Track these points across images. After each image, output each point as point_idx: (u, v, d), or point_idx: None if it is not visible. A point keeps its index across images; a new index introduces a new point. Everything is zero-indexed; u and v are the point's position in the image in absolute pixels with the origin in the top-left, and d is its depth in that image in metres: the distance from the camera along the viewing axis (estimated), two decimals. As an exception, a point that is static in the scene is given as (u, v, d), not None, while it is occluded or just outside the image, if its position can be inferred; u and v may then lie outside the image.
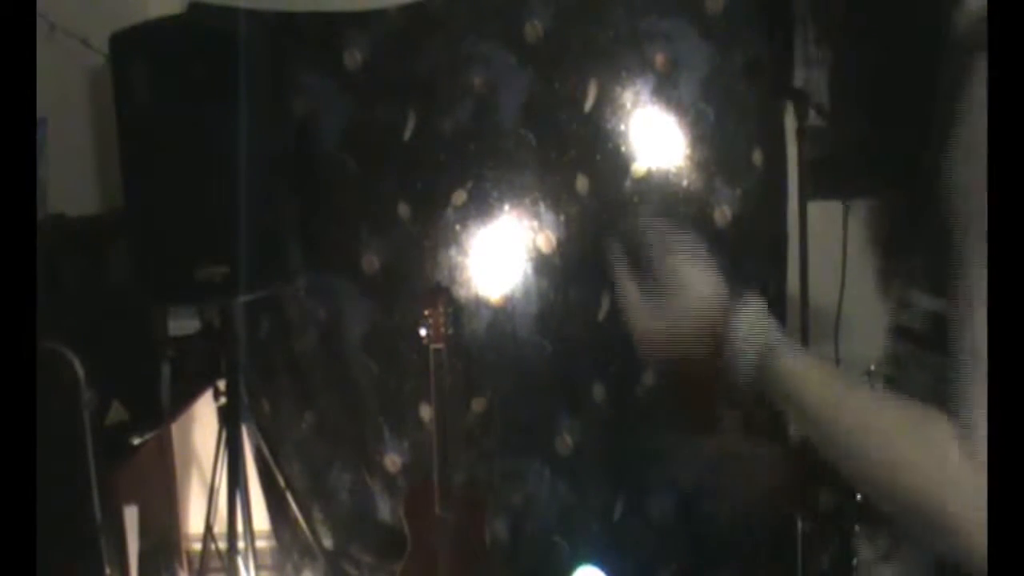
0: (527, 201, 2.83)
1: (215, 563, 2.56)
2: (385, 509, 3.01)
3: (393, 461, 2.99)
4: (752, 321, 0.97)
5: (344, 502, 3.04)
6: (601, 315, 2.81)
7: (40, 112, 1.92)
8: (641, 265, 1.06)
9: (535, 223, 2.84)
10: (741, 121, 2.76)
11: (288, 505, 2.77)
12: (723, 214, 2.77)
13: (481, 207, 2.86)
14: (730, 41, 2.73)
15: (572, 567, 2.66)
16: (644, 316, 1.03)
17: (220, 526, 2.47)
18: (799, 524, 2.73)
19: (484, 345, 2.89)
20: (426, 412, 2.91)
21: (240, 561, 2.46)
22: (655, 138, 2.77)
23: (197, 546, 2.70)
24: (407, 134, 2.86)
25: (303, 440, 3.01)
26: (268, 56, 2.44)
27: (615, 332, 2.61)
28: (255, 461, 2.82)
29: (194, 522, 2.87)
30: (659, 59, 2.75)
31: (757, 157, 2.76)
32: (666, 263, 1.02)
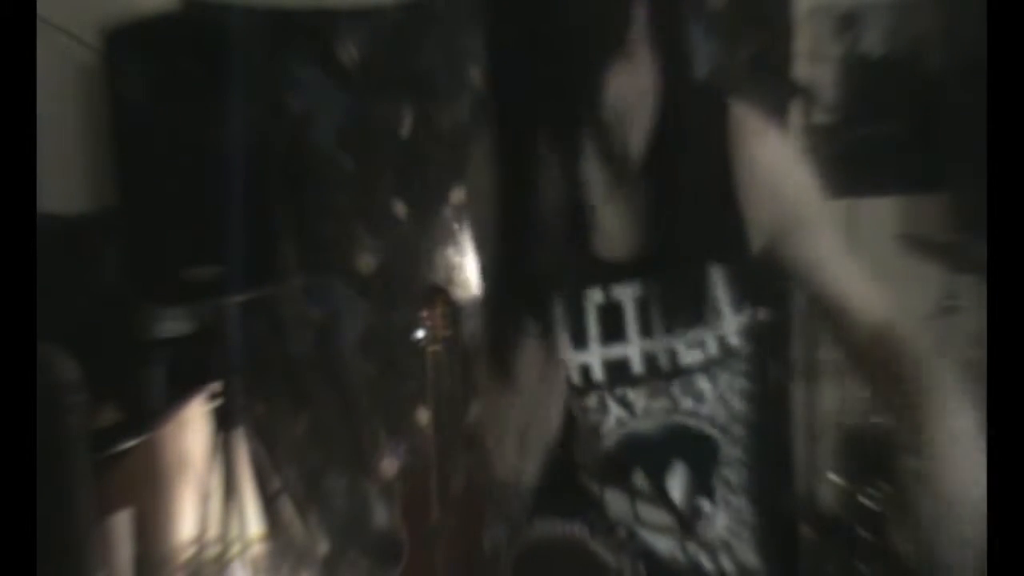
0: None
1: (210, 569, 2.52)
2: (382, 514, 2.97)
3: (390, 465, 2.95)
4: None
5: (340, 507, 3.00)
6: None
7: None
8: None
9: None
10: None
11: (283, 510, 2.73)
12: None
13: (480, 206, 2.82)
14: (733, 36, 2.70)
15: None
16: None
17: (214, 531, 2.43)
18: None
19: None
20: (423, 415, 2.87)
21: (235, 567, 2.43)
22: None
23: (191, 552, 2.66)
24: (404, 131, 2.83)
25: (298, 443, 2.97)
26: (264, 52, 2.41)
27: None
28: (250, 465, 2.78)
29: (187, 527, 2.83)
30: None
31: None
32: None
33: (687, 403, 1.13)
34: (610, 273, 1.10)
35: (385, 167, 2.86)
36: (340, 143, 2.86)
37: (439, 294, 2.61)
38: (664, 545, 1.18)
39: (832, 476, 2.73)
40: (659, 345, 1.10)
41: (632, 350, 1.11)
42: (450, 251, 2.87)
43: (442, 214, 2.85)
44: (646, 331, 1.10)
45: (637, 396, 1.13)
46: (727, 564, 1.18)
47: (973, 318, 2.57)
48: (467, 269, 2.86)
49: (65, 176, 2.31)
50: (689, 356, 1.10)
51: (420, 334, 2.56)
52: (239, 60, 2.19)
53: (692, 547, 1.18)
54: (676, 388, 1.13)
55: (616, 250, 1.09)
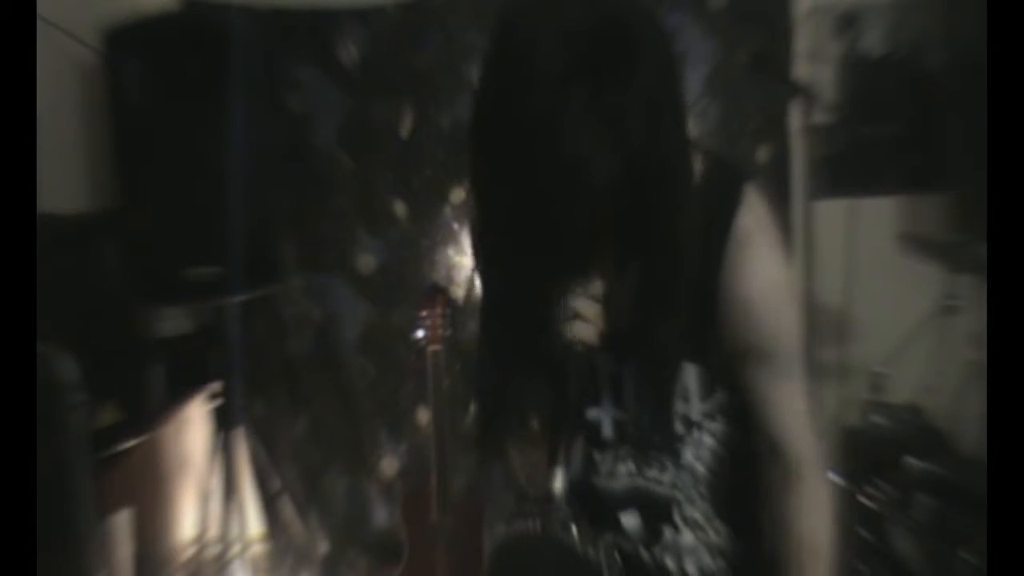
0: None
1: (209, 569, 2.51)
2: (382, 514, 2.97)
3: (390, 465, 2.95)
4: None
5: (340, 506, 2.99)
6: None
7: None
8: None
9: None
10: (745, 118, 2.73)
11: (283, 509, 2.73)
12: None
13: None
14: (733, 36, 2.70)
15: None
16: None
17: (214, 531, 2.42)
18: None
19: (483, 347, 2.85)
20: (423, 415, 2.87)
21: (235, 567, 2.42)
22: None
23: (191, 552, 2.66)
24: (404, 131, 2.83)
25: (298, 443, 2.97)
26: (263, 52, 2.40)
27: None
28: (250, 465, 2.77)
29: (187, 527, 2.83)
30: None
31: (762, 154, 2.73)
32: None
33: (651, 472, 1.16)
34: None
35: (385, 167, 2.86)
36: (340, 143, 2.86)
37: (439, 294, 2.61)
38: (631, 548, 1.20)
39: (832, 476, 2.73)
40: (629, 417, 1.13)
41: (604, 416, 1.14)
42: (450, 251, 2.86)
43: (442, 214, 2.85)
44: (618, 402, 1.13)
45: (603, 458, 1.16)
46: (691, 569, 1.18)
47: (973, 318, 2.57)
48: (467, 269, 2.86)
49: (65, 176, 2.31)
50: (655, 434, 1.13)
51: (420, 334, 2.56)
52: (239, 60, 2.18)
53: (657, 551, 1.19)
54: (642, 457, 1.15)
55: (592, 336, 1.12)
